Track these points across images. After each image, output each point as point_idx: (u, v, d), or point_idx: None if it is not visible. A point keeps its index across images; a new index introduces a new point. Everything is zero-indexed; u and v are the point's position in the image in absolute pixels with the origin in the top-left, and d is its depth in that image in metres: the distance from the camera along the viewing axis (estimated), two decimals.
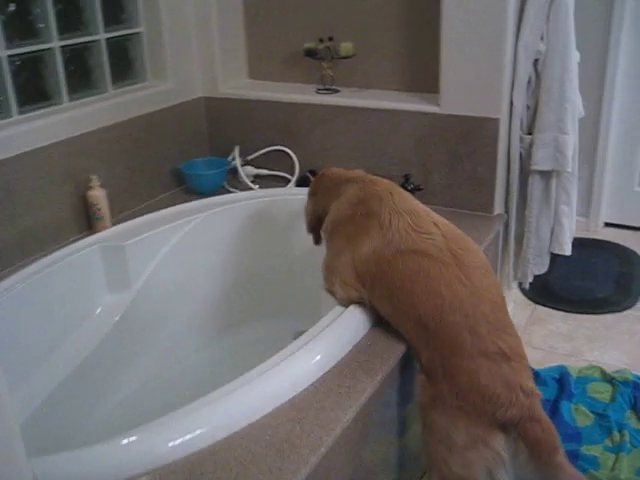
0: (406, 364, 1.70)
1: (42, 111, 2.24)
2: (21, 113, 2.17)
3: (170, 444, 1.31)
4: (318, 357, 1.57)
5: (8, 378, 1.76)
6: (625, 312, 2.83)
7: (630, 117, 3.40)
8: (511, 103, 2.30)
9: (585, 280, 3.08)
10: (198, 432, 1.34)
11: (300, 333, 2.55)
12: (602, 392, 2.33)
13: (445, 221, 1.69)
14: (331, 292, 1.77)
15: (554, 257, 2.54)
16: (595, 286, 3.03)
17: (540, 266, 2.50)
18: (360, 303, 1.72)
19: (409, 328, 1.57)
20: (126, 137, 2.47)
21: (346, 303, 1.73)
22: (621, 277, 3.09)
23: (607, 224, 3.60)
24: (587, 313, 2.83)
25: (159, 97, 2.61)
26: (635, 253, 3.30)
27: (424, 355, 1.52)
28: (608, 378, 2.38)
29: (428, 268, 1.53)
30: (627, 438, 2.08)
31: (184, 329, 2.41)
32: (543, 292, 2.97)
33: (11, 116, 2.14)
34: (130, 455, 1.30)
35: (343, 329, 1.67)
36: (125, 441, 1.30)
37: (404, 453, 1.86)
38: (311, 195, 2.03)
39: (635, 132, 3.42)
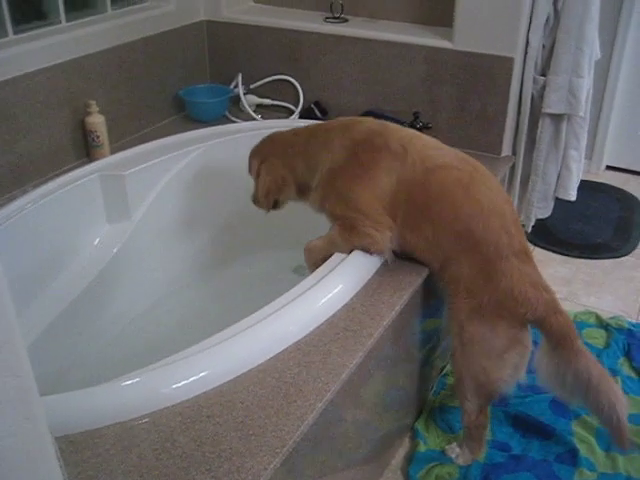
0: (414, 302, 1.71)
1: (39, 31, 2.13)
2: (17, 33, 2.07)
3: (174, 386, 1.31)
4: (324, 299, 1.56)
5: None
6: (623, 258, 2.83)
7: None
8: (527, 42, 2.22)
9: (585, 224, 3.06)
10: (202, 375, 1.33)
11: (299, 267, 2.56)
12: (597, 338, 2.34)
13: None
14: (363, 241, 1.65)
15: (555, 200, 2.51)
16: (595, 230, 3.01)
17: (544, 210, 2.48)
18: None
19: (449, 243, 1.58)
20: (125, 61, 2.37)
21: (382, 249, 1.65)
22: (621, 222, 3.08)
23: (609, 167, 3.55)
24: (586, 258, 2.83)
25: (160, 19, 2.50)
26: (635, 198, 3.27)
27: (466, 266, 1.56)
28: (603, 324, 2.39)
29: (460, 178, 1.59)
30: (620, 385, 2.11)
31: (182, 261, 2.39)
32: (542, 234, 2.95)
33: (7, 36, 2.04)
34: (131, 397, 1.29)
35: (349, 272, 1.65)
36: (127, 382, 1.30)
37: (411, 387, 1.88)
38: (274, 162, 1.91)
39: None
